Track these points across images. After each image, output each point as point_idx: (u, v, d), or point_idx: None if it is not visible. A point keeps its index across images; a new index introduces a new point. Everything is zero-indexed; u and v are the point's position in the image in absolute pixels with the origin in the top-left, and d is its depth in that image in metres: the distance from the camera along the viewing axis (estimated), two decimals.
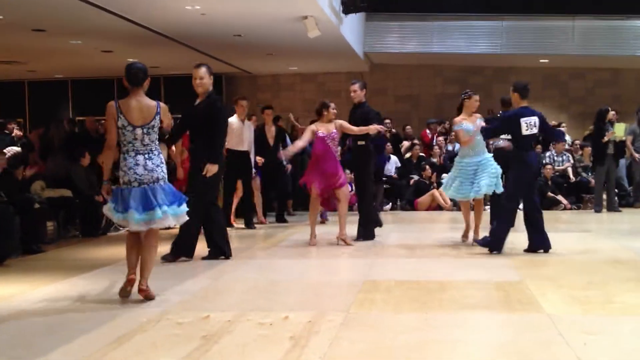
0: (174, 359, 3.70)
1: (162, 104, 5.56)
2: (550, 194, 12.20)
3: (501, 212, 7.28)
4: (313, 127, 7.87)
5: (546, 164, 12.79)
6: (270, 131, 10.69)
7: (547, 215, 10.94)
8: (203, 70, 6.94)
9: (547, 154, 13.10)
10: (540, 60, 15.55)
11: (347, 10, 11.36)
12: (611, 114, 11.50)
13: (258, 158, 10.11)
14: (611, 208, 11.49)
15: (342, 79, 16.36)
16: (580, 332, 4.04)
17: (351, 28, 12.60)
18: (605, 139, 11.26)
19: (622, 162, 12.62)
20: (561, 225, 10.04)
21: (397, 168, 13.26)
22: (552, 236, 8.34)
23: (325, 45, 12.16)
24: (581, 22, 14.44)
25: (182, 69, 15.50)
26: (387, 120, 12.74)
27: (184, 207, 5.26)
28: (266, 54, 13.72)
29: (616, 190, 12.03)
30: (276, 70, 16.46)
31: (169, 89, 16.56)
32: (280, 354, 3.73)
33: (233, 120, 9.27)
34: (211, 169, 6.66)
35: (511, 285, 5.42)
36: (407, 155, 13.61)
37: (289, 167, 11.07)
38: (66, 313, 4.88)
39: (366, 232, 8.18)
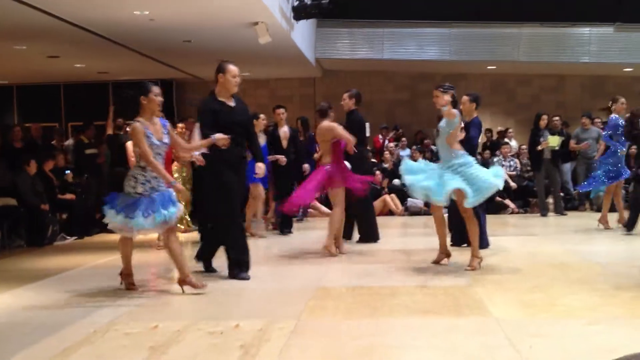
0: None
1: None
2: (497, 198, 12.42)
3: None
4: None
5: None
6: (284, 132, 9.82)
7: (494, 219, 11.19)
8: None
9: (495, 159, 13.34)
10: (488, 67, 15.86)
11: (297, 17, 11.38)
12: (545, 118, 11.65)
13: (278, 157, 9.52)
14: (557, 212, 11.77)
15: (295, 85, 16.40)
16: (526, 335, 4.12)
17: (302, 34, 12.63)
18: (539, 148, 11.52)
19: (567, 166, 12.95)
20: (508, 229, 10.23)
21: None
22: (499, 240, 8.54)
23: (277, 51, 12.15)
24: (528, 29, 14.78)
25: (132, 74, 15.33)
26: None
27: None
28: (217, 59, 13.58)
29: (562, 194, 12.32)
30: None
31: (117, 95, 16.30)
32: None
33: None
34: (263, 168, 6.53)
35: (460, 290, 5.49)
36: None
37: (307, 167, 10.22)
38: (10, 325, 4.75)
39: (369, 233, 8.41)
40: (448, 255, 6.80)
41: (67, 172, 10.46)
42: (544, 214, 11.78)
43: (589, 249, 7.86)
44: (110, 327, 4.56)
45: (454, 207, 7.12)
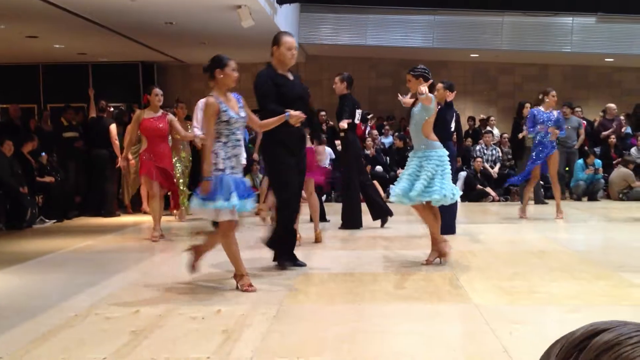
0: (102, 355, 3.61)
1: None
2: (479, 186, 12.50)
3: None
4: None
5: (476, 157, 13.10)
6: None
7: (475, 207, 11.28)
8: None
9: (477, 147, 13.40)
10: (471, 55, 15.88)
11: (281, 1, 11.30)
12: (528, 106, 11.74)
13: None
14: (537, 200, 11.87)
15: None
16: (506, 321, 4.15)
17: (285, 18, 12.54)
18: (520, 136, 11.58)
19: None
20: (489, 216, 10.30)
21: (331, 160, 13.31)
22: (480, 228, 8.61)
23: (260, 36, 12.03)
24: (510, 18, 14.81)
25: (111, 56, 15.15)
26: (323, 112, 12.79)
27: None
28: (199, 42, 13.51)
29: (542, 182, 12.42)
30: (209, 59, 16.23)
31: (97, 76, 16.12)
32: (212, 348, 3.69)
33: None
34: (325, 152, 6.40)
35: (441, 277, 5.53)
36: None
37: None
38: None
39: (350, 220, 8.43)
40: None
41: (43, 154, 10.31)
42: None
43: (568, 237, 7.94)
44: (91, 311, 4.53)
45: None
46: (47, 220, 9.67)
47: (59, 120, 11.12)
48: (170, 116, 8.05)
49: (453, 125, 8.02)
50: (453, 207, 7.93)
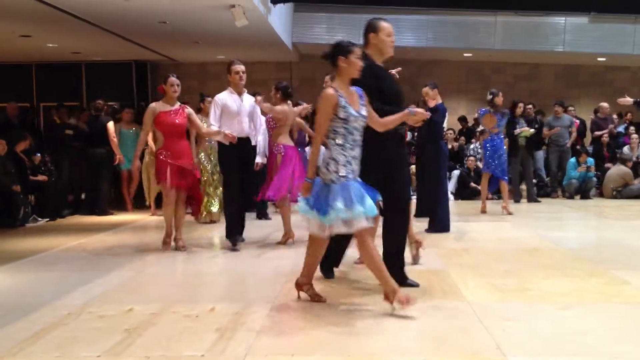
0: (96, 353, 3.61)
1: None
2: (472, 184, 12.54)
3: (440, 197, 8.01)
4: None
5: (469, 155, 13.14)
6: None
7: (469, 204, 11.31)
8: None
9: (471, 146, 13.44)
10: (465, 54, 15.92)
11: (275, 0, 11.31)
12: (521, 106, 11.78)
13: None
14: (530, 198, 11.91)
15: (271, 69, 16.30)
16: (499, 318, 4.18)
17: (279, 18, 12.55)
18: (515, 132, 11.63)
19: (540, 153, 13.10)
20: (482, 214, 10.31)
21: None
22: (473, 225, 8.65)
23: (254, 35, 12.06)
24: (503, 17, 14.85)
25: (105, 55, 15.13)
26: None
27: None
28: (192, 41, 13.51)
29: (535, 180, 12.47)
30: (203, 59, 16.23)
31: (91, 75, 16.09)
32: (205, 346, 3.70)
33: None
34: None
35: (434, 274, 5.55)
36: None
37: None
38: None
39: None
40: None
41: (37, 154, 10.28)
42: (517, 200, 11.90)
43: (560, 234, 7.97)
44: (84, 309, 4.53)
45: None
46: (40, 219, 9.66)
47: (52, 118, 11.08)
48: (189, 110, 7.06)
49: (445, 124, 8.20)
50: (447, 205, 8.10)
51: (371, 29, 5.17)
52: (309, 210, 4.41)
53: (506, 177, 10.14)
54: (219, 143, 7.13)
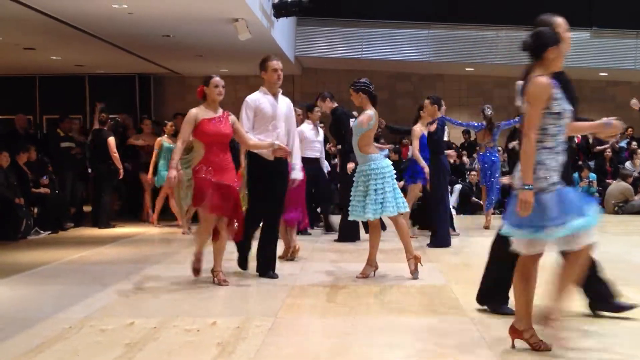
0: None
1: None
2: (474, 198, 12.53)
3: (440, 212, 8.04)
4: None
5: (471, 169, 13.14)
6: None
7: (470, 219, 11.29)
8: None
9: (475, 161, 13.43)
10: (466, 69, 15.97)
11: (278, 14, 11.36)
12: None
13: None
14: None
15: None
16: (501, 335, 4.15)
17: (282, 31, 12.61)
18: (510, 145, 11.65)
19: None
20: (484, 229, 10.28)
21: (328, 173, 13.34)
22: (476, 240, 8.63)
23: (256, 48, 12.09)
24: (505, 32, 14.91)
25: (108, 68, 15.19)
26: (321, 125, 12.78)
27: None
28: (196, 55, 13.56)
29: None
30: (206, 72, 16.18)
31: (94, 88, 16.14)
32: None
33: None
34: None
35: (436, 289, 5.53)
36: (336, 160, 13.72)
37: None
38: None
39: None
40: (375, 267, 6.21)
41: (45, 177, 10.26)
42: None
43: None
44: (85, 323, 4.52)
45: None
46: (41, 232, 9.65)
47: (56, 130, 11.12)
48: (233, 117, 5.98)
49: (446, 136, 8.28)
50: (448, 220, 8.11)
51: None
52: (516, 229, 3.74)
53: (491, 196, 10.02)
54: (251, 154, 6.12)
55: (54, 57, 13.49)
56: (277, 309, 4.88)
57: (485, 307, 4.74)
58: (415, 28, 14.89)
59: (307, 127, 8.89)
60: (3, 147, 9.59)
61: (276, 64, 6.25)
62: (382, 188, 5.88)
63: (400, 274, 6.25)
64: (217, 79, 5.94)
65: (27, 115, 14.85)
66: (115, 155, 10.27)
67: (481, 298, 4.77)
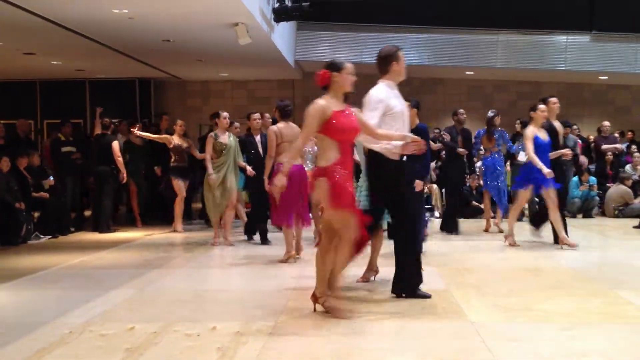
0: None
1: None
2: (474, 202, 12.51)
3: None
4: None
5: (471, 173, 13.11)
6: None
7: (470, 223, 11.28)
8: None
9: (478, 164, 13.41)
10: (466, 73, 15.98)
11: (278, 19, 11.37)
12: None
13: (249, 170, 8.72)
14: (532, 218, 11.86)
15: (274, 87, 16.38)
16: (502, 339, 4.15)
17: (282, 36, 12.62)
18: (519, 158, 11.62)
19: None
20: (484, 233, 10.29)
21: None
22: (476, 244, 8.63)
23: (257, 53, 12.13)
24: (505, 36, 14.92)
25: (109, 73, 15.21)
26: None
27: None
28: (196, 59, 13.58)
29: (537, 199, 12.43)
30: (206, 77, 16.31)
31: (94, 93, 16.15)
32: None
33: None
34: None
35: (437, 294, 5.52)
36: None
37: None
38: None
39: None
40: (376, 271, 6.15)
41: (51, 178, 10.27)
42: (519, 219, 11.87)
43: (563, 254, 7.93)
44: (86, 327, 4.51)
45: None
46: (42, 236, 9.65)
47: (57, 135, 11.13)
48: (357, 111, 5.16)
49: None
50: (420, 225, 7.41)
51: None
52: None
53: (503, 199, 9.99)
54: (378, 155, 5.26)
55: (55, 62, 13.50)
56: (277, 313, 4.87)
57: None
58: (416, 32, 14.89)
59: None
60: (4, 152, 9.60)
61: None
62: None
63: None
64: (352, 66, 4.99)
65: (28, 120, 14.92)
66: (120, 159, 10.31)
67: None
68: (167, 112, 12.32)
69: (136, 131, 10.87)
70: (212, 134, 8.80)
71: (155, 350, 3.99)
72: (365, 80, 5.69)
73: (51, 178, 10.25)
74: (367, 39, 14.87)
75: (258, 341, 4.13)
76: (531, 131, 8.14)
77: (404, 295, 5.33)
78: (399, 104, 5.35)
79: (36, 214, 10.14)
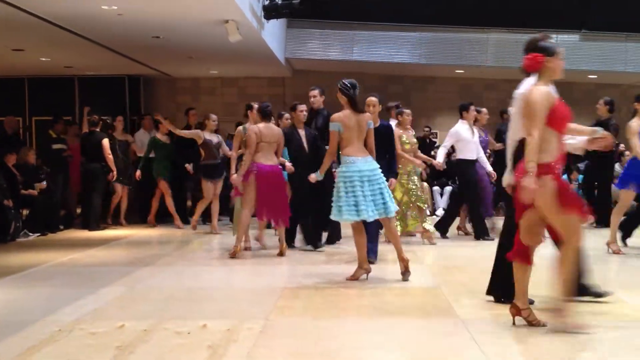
0: None
1: None
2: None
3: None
4: None
5: None
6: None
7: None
8: None
9: None
10: (456, 71, 16.01)
11: (268, 16, 11.34)
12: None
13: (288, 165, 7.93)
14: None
15: (264, 84, 16.33)
16: (492, 336, 4.17)
17: (272, 33, 12.59)
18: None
19: None
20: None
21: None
22: (466, 242, 8.64)
23: (247, 50, 12.10)
24: (495, 35, 14.95)
25: (98, 69, 15.12)
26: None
27: None
28: (186, 57, 13.52)
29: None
30: (196, 74, 16.25)
31: (83, 89, 16.06)
32: None
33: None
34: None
35: (427, 291, 5.54)
36: None
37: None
38: None
39: None
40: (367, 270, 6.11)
41: (44, 182, 10.17)
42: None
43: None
44: (76, 325, 4.50)
45: None
46: (31, 234, 9.59)
47: (48, 132, 11.06)
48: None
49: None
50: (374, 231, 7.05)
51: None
52: None
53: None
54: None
55: (43, 59, 13.41)
56: (268, 311, 4.87)
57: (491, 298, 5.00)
58: (407, 30, 14.90)
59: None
60: None
61: None
62: (352, 192, 5.81)
63: (391, 276, 6.25)
64: (564, 50, 4.64)
65: (17, 117, 14.83)
66: (110, 157, 10.25)
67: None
68: (193, 107, 11.94)
69: (162, 120, 10.35)
70: (240, 127, 8.32)
71: (146, 348, 3.98)
72: (350, 77, 5.79)
73: (44, 183, 10.15)
74: (358, 37, 14.87)
75: (249, 339, 4.13)
76: (637, 124, 7.33)
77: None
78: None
79: (25, 212, 10.09)
